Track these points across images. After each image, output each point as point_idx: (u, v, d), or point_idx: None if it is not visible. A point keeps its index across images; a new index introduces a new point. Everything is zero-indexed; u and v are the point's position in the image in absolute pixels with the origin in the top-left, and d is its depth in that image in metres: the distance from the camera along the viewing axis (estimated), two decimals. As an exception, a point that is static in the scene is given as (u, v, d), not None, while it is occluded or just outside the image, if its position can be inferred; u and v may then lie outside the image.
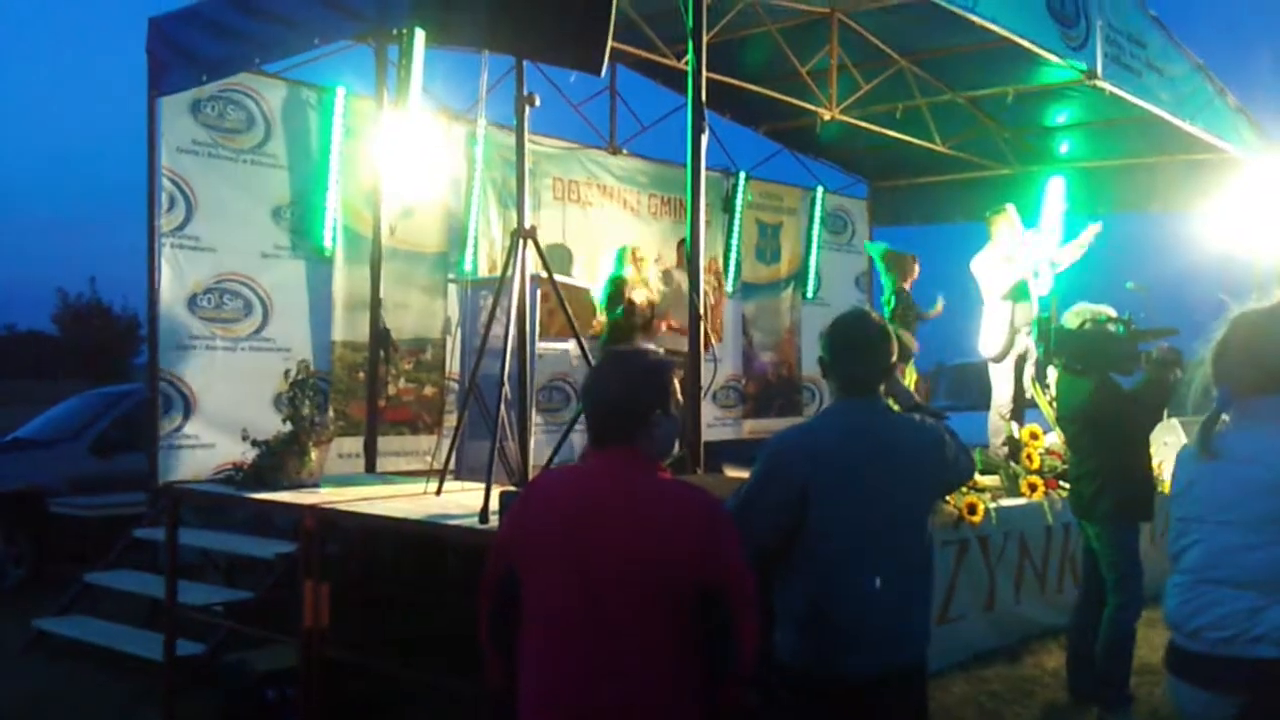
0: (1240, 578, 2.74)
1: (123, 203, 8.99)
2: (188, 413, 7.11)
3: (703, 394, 6.00)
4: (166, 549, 6.45)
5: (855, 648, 3.14)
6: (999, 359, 8.25)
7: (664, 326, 8.79)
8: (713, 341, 9.13)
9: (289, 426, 6.42)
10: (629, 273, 8.68)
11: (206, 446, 7.09)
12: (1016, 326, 8.21)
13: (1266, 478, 2.73)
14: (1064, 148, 11.45)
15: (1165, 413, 6.14)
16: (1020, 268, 8.29)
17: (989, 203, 11.91)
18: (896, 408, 3.57)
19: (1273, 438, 2.82)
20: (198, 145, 7.31)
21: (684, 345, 6.50)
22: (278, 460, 6.27)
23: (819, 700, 3.14)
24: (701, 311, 5.96)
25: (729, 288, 11.32)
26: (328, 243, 7.89)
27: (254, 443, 6.39)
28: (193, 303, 7.21)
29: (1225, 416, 2.95)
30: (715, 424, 10.60)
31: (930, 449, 3.29)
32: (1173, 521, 3.01)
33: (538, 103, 5.92)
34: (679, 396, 2.88)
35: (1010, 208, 8.65)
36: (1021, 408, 8.24)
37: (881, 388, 3.35)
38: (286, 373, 6.63)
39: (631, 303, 8.51)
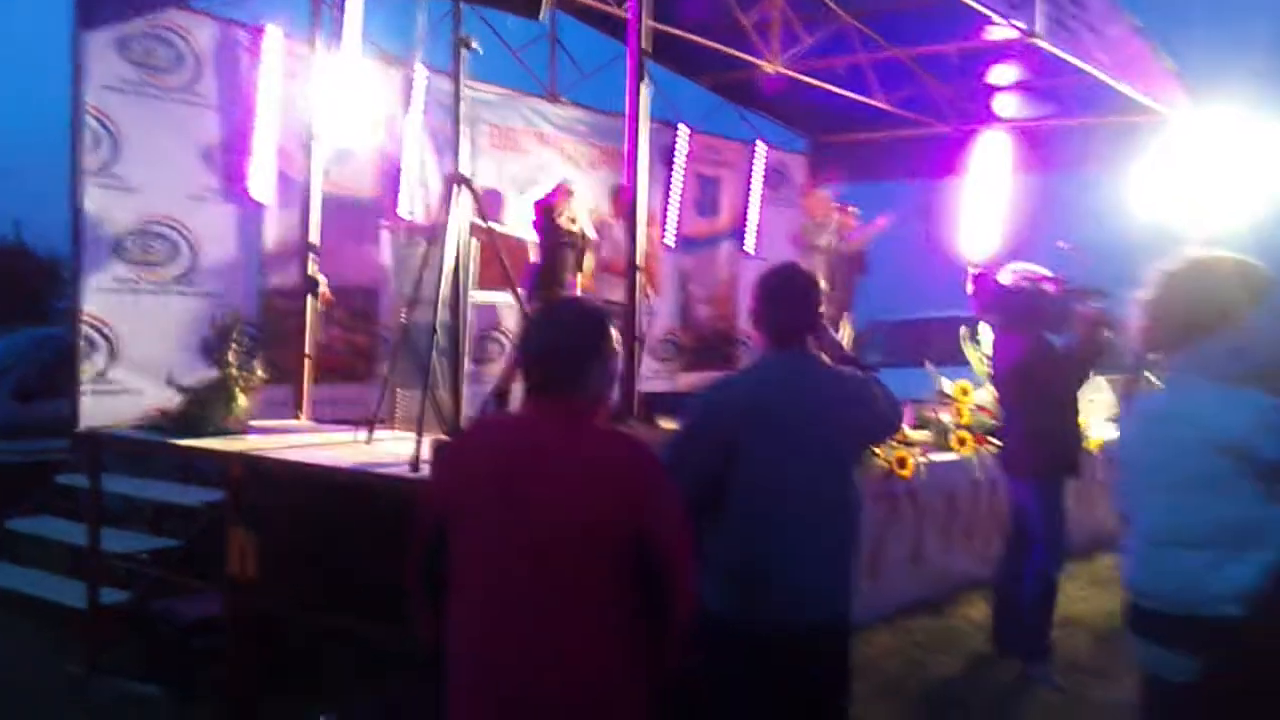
0: (1191, 538, 2.73)
1: (48, 143, 8.73)
2: (112, 357, 6.94)
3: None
4: (89, 495, 6.35)
5: (782, 599, 3.16)
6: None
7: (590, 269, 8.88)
8: (650, 292, 9.16)
9: (216, 373, 6.31)
10: (558, 199, 8.69)
11: (132, 392, 6.94)
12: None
13: (1196, 435, 2.72)
14: (1003, 106, 11.49)
15: (1094, 372, 6.23)
16: (828, 238, 9.90)
17: (930, 160, 12.07)
18: (828, 359, 3.56)
19: (1195, 393, 2.81)
20: (125, 83, 7.09)
21: (619, 295, 6.47)
22: (204, 406, 6.18)
23: (745, 651, 3.16)
24: (639, 261, 5.93)
25: (668, 241, 11.27)
26: (259, 186, 7.72)
27: (180, 388, 6.28)
28: (118, 245, 7.02)
29: (1149, 375, 2.99)
30: (651, 376, 10.59)
31: (858, 401, 3.31)
32: (1119, 481, 3.02)
33: (475, 46, 5.82)
34: (616, 346, 2.86)
35: (824, 190, 10.74)
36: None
37: (811, 339, 3.35)
38: (214, 318, 6.50)
39: (559, 227, 8.54)
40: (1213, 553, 2.70)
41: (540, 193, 8.96)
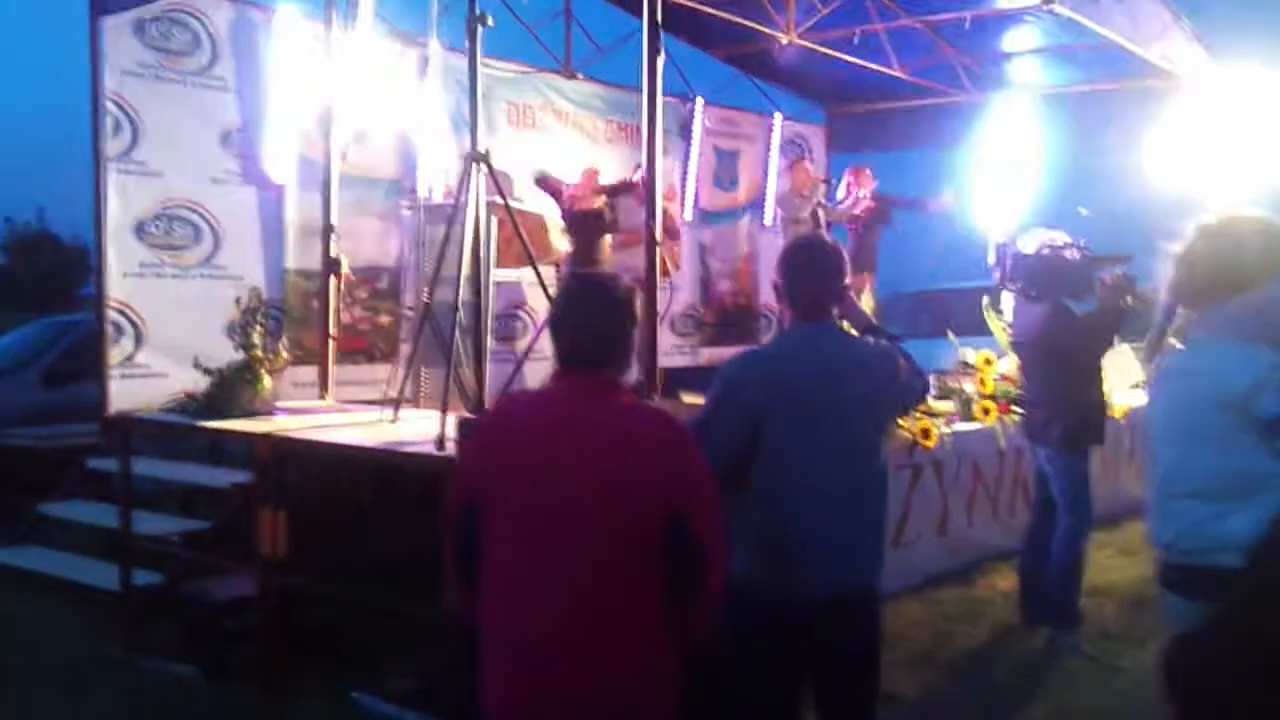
0: (1198, 489, 2.81)
1: (70, 129, 8.79)
2: (139, 342, 7.00)
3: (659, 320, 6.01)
4: (120, 479, 6.41)
5: (810, 571, 3.17)
6: None
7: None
8: (669, 269, 9.20)
9: (241, 355, 6.35)
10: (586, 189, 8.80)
11: (159, 376, 7.00)
12: None
13: (1206, 389, 2.80)
14: (1021, 72, 11.41)
15: (1117, 339, 6.21)
16: (810, 211, 10.17)
17: (947, 129, 12.01)
18: (852, 331, 3.56)
19: (1211, 349, 2.88)
20: (143, 68, 7.12)
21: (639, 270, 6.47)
22: (230, 388, 6.22)
23: (773, 623, 3.17)
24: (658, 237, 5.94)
25: (686, 215, 11.26)
26: (277, 168, 7.74)
27: (206, 371, 6.32)
28: (141, 230, 7.07)
29: (1174, 333, 3.03)
30: (673, 351, 10.61)
31: (883, 371, 3.30)
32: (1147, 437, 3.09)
33: (491, 23, 5.83)
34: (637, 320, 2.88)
35: (805, 160, 11.24)
36: None
37: (836, 311, 3.35)
38: (238, 300, 6.54)
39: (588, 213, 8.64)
40: (1217, 504, 2.76)
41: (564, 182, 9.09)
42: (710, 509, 2.73)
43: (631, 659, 2.68)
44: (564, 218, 8.78)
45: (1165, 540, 2.90)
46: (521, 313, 9.47)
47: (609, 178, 9.28)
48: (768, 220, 12.19)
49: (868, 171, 10.66)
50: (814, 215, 10.24)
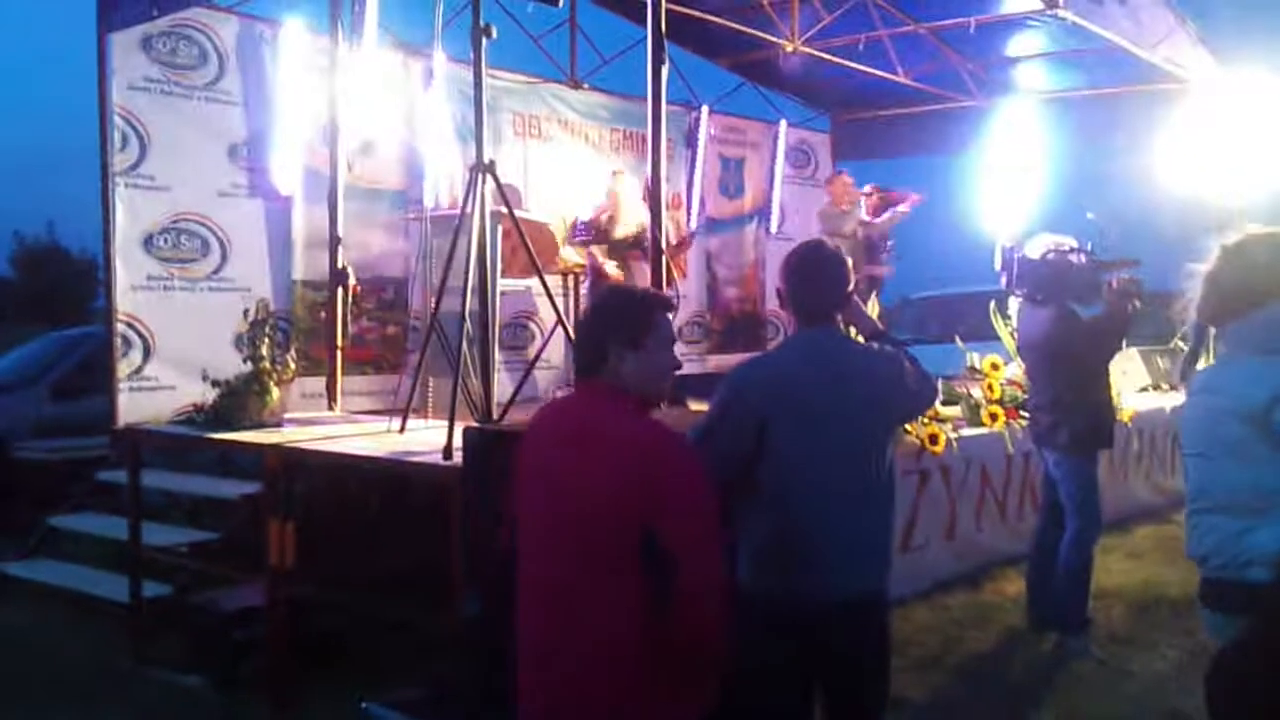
0: (1224, 504, 2.85)
1: (79, 143, 8.85)
2: (147, 354, 7.03)
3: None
4: (129, 491, 6.43)
5: (816, 575, 3.17)
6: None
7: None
8: (675, 277, 9.19)
9: (249, 366, 6.38)
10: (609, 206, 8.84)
11: (167, 388, 7.03)
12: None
13: (1229, 405, 2.83)
14: (1026, 78, 11.41)
15: (1124, 343, 6.20)
16: (851, 225, 10.14)
17: (953, 135, 12.01)
18: (859, 337, 3.57)
19: (1232, 365, 2.93)
20: (150, 82, 7.16)
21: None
22: (239, 400, 6.25)
23: (782, 627, 3.17)
24: (664, 245, 5.95)
25: (692, 223, 11.27)
26: (284, 180, 7.77)
27: (214, 383, 6.34)
28: (149, 243, 7.11)
29: (1206, 348, 3.12)
30: (680, 358, 10.59)
31: (890, 377, 3.31)
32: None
33: (495, 34, 5.85)
34: (671, 333, 2.87)
35: (845, 173, 10.76)
36: None
37: (841, 316, 3.36)
38: (246, 312, 6.56)
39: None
40: (1243, 518, 2.79)
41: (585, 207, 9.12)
42: (685, 521, 2.64)
43: (617, 667, 2.65)
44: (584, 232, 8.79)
45: (1199, 555, 2.93)
46: (529, 322, 9.49)
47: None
48: (773, 228, 12.20)
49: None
50: (854, 230, 10.11)
